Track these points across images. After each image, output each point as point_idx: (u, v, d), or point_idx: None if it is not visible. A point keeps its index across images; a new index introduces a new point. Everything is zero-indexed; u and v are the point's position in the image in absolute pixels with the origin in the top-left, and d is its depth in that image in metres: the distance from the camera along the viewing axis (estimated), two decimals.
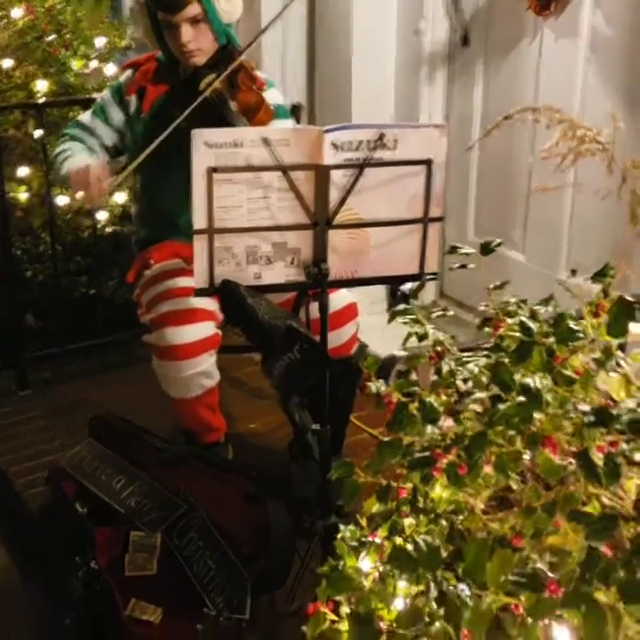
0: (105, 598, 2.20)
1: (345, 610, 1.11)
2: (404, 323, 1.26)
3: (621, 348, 1.11)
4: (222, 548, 2.23)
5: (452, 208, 3.38)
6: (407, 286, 3.61)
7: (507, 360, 1.08)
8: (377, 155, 2.08)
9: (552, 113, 1.26)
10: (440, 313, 1.32)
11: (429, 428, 1.08)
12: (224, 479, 2.46)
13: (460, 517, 1.07)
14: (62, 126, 3.65)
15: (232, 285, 2.13)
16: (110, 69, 3.93)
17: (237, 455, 2.82)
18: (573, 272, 1.24)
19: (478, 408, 1.10)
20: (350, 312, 2.66)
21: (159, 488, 2.42)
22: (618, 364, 1.07)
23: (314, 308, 2.31)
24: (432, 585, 1.00)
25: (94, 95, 3.67)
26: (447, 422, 1.12)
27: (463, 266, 1.40)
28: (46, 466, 2.82)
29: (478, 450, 1.01)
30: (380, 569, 1.08)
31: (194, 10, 2.51)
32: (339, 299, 2.58)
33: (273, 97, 2.71)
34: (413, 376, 1.19)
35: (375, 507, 1.17)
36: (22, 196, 3.66)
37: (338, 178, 2.08)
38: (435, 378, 1.17)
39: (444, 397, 1.14)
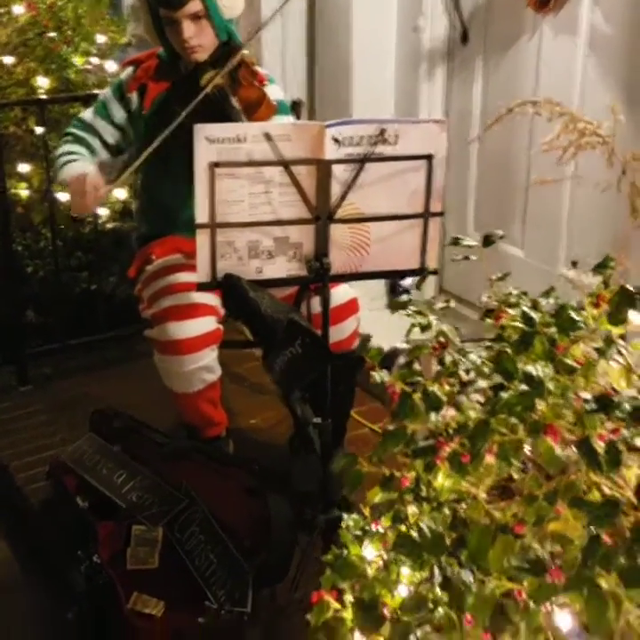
0: (107, 592, 2.21)
1: (348, 598, 1.12)
2: (407, 315, 1.27)
3: (622, 338, 1.12)
4: (224, 542, 2.23)
5: (451, 204, 3.39)
6: (407, 282, 3.62)
7: (509, 350, 1.09)
8: (378, 150, 2.09)
9: (553, 106, 1.27)
10: (443, 305, 1.34)
11: (433, 416, 1.10)
12: (225, 473, 2.47)
13: (463, 506, 1.09)
14: (63, 123, 3.69)
15: (234, 279, 2.14)
16: (111, 66, 3.95)
17: (238, 450, 2.83)
18: (574, 264, 1.25)
19: (480, 398, 1.11)
20: (351, 307, 2.68)
21: (160, 482, 2.42)
22: (619, 352, 1.08)
23: (315, 302, 2.33)
24: (436, 570, 1.01)
25: (95, 91, 3.70)
26: (450, 412, 1.13)
27: (466, 258, 1.41)
28: (47, 461, 2.83)
29: (481, 438, 1.02)
30: (384, 557, 1.09)
31: (195, 6, 2.52)
32: (340, 294, 2.59)
33: (274, 93, 2.72)
34: (416, 366, 1.20)
35: (378, 496, 1.18)
36: (23, 192, 3.68)
37: (339, 173, 2.09)
38: (438, 368, 1.19)
39: (446, 387, 1.16)
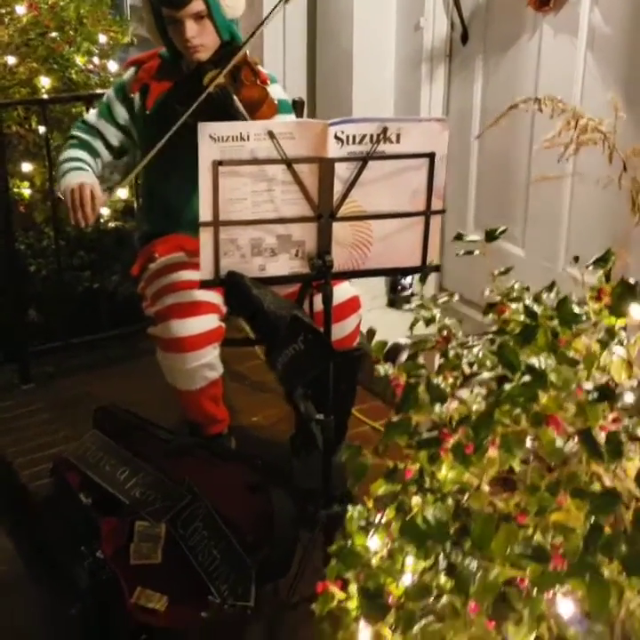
0: (110, 587, 2.22)
1: (353, 588, 1.14)
2: (411, 309, 1.29)
3: (623, 331, 1.14)
4: (227, 538, 2.25)
5: (452, 203, 3.40)
6: (408, 281, 3.64)
7: (512, 342, 1.10)
8: (380, 148, 2.10)
9: (555, 102, 1.29)
10: (445, 299, 1.35)
11: (437, 408, 1.11)
12: (228, 469, 2.48)
13: (466, 496, 1.10)
14: (65, 122, 3.71)
15: (237, 277, 2.15)
16: (112, 66, 3.97)
17: (240, 447, 2.84)
18: (576, 259, 1.27)
19: (483, 391, 1.12)
20: (353, 305, 2.69)
21: (163, 479, 2.44)
22: (620, 343, 1.09)
23: (317, 300, 2.34)
24: (441, 556, 1.02)
25: (97, 91, 3.72)
26: (453, 405, 1.15)
27: (469, 252, 1.42)
28: (50, 457, 2.85)
29: (485, 428, 1.04)
30: (389, 546, 1.11)
31: (198, 6, 2.53)
32: (342, 291, 2.60)
33: (276, 92, 2.73)
34: (420, 359, 1.22)
35: (382, 488, 1.20)
36: (25, 191, 3.69)
37: (341, 171, 2.10)
38: (441, 361, 1.20)
39: (450, 380, 1.17)
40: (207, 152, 2.03)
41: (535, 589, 1.01)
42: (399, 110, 3.64)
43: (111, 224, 3.82)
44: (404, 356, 1.32)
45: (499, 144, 3.32)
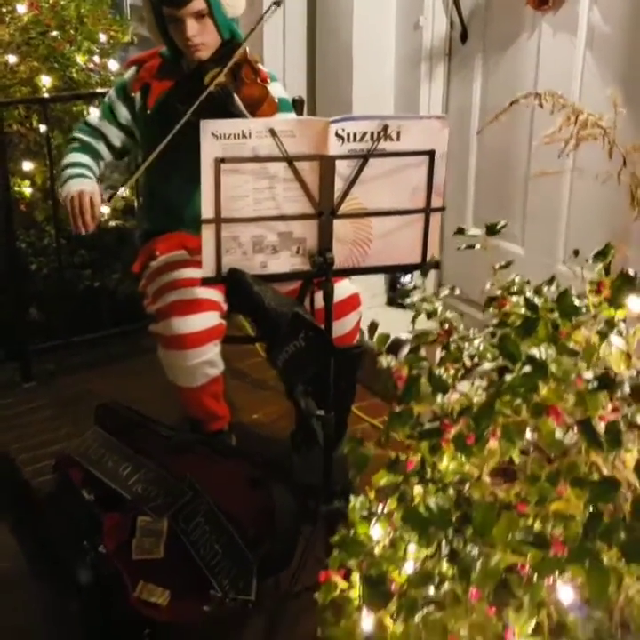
0: (113, 582, 2.24)
1: (356, 578, 1.15)
2: (413, 303, 1.30)
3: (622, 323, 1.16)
4: (229, 533, 2.27)
5: (451, 200, 3.42)
6: (407, 279, 3.66)
7: (513, 334, 1.12)
8: (380, 146, 2.12)
9: (556, 98, 1.30)
10: (447, 292, 1.37)
11: (439, 398, 1.13)
12: (229, 465, 2.49)
13: (467, 486, 1.12)
14: (65, 121, 3.73)
15: (239, 274, 2.17)
16: (113, 65, 3.99)
17: (241, 444, 2.86)
18: (576, 252, 1.29)
19: (483, 383, 1.14)
20: (353, 302, 2.71)
21: (165, 475, 2.45)
22: (620, 334, 1.11)
23: (318, 298, 2.35)
24: (443, 543, 1.04)
25: (98, 90, 3.73)
26: (454, 396, 1.17)
27: (470, 246, 1.44)
28: (53, 454, 2.86)
29: (486, 419, 1.06)
30: (391, 535, 1.12)
31: (199, 4, 2.55)
32: (342, 289, 2.62)
33: (276, 90, 2.75)
34: (422, 352, 1.24)
35: (384, 480, 1.21)
36: (26, 190, 3.70)
37: (342, 168, 2.12)
38: (443, 353, 1.22)
39: (451, 372, 1.19)
40: (209, 149, 2.05)
41: (536, 576, 1.02)
42: (399, 109, 3.66)
43: (112, 223, 3.83)
44: (405, 351, 1.34)
45: (498, 141, 3.33)
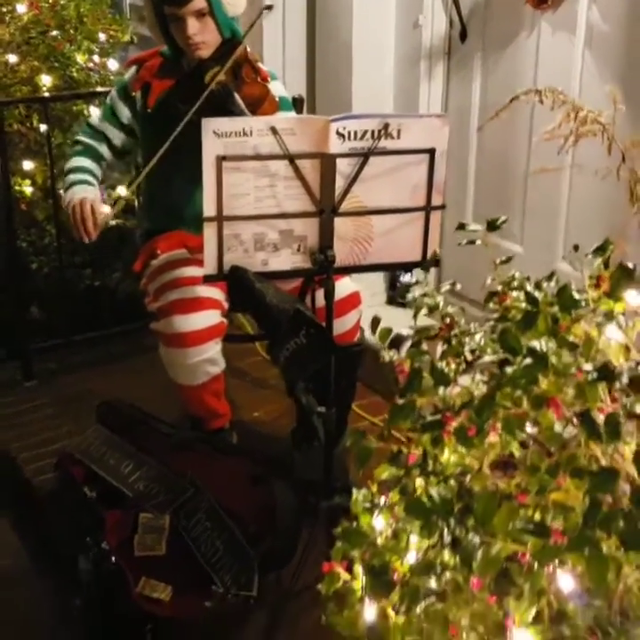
0: (115, 578, 2.25)
1: (358, 569, 1.17)
2: (414, 298, 1.32)
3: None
4: (230, 529, 2.28)
5: (451, 198, 3.43)
6: (407, 277, 3.67)
7: (513, 328, 1.13)
8: (381, 144, 2.13)
9: (555, 94, 1.31)
10: (448, 287, 1.38)
11: (441, 391, 1.14)
12: (230, 462, 2.51)
13: (468, 477, 1.13)
14: (66, 120, 3.74)
15: (241, 271, 2.18)
16: (113, 64, 4.00)
17: (242, 442, 2.87)
18: (575, 247, 1.30)
19: (484, 377, 1.15)
20: (353, 300, 2.72)
21: (166, 472, 2.46)
22: (619, 325, 1.12)
23: (319, 296, 2.36)
24: (445, 532, 1.05)
25: (98, 89, 3.75)
26: (455, 390, 1.18)
27: (471, 242, 1.45)
28: (54, 453, 2.87)
29: (487, 410, 1.07)
30: (393, 526, 1.14)
31: (200, 3, 2.56)
32: (342, 287, 2.62)
33: (276, 89, 2.76)
34: (424, 346, 1.25)
35: (385, 473, 1.23)
36: (27, 189, 3.71)
37: (343, 166, 2.13)
38: (444, 347, 1.23)
39: (453, 366, 1.20)
40: (211, 147, 2.06)
41: (536, 564, 1.04)
42: (398, 108, 3.67)
43: (112, 222, 3.83)
44: (406, 347, 1.35)
45: (497, 140, 3.34)
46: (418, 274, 3.44)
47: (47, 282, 3.73)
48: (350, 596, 1.16)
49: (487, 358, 1.14)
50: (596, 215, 2.91)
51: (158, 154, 2.51)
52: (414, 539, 1.11)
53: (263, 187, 2.14)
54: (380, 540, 1.15)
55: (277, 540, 2.31)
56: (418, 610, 1.11)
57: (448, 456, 1.15)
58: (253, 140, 2.08)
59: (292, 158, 2.10)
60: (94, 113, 3.04)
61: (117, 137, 2.86)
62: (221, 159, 2.06)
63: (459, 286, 1.43)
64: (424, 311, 1.32)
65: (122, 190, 3.82)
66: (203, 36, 2.61)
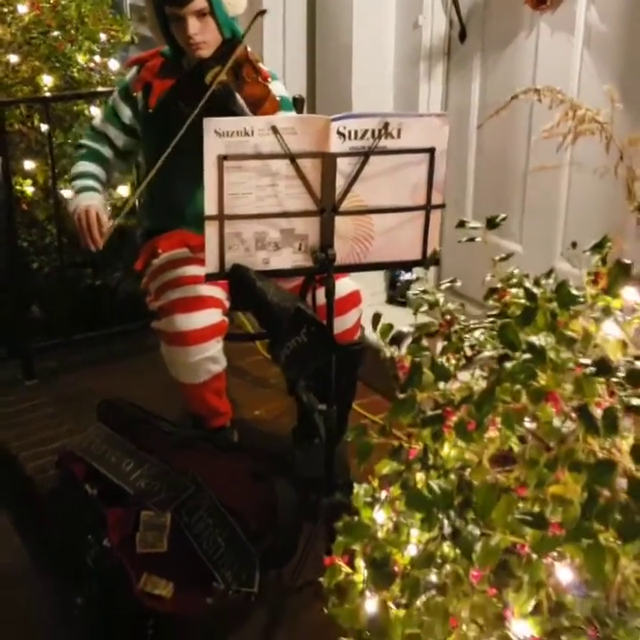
0: (117, 575, 2.26)
1: (359, 562, 1.18)
2: (414, 295, 1.33)
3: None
4: (231, 526, 2.29)
5: (450, 198, 3.44)
6: (406, 276, 3.68)
7: (513, 323, 1.15)
8: (381, 143, 2.14)
9: (554, 93, 1.33)
10: (448, 284, 1.40)
11: (441, 385, 1.16)
12: (231, 459, 2.52)
13: (468, 471, 1.15)
14: (66, 120, 3.76)
15: (242, 269, 2.19)
16: (113, 64, 4.01)
17: (243, 440, 2.88)
18: (574, 245, 1.31)
19: (484, 373, 1.17)
20: (354, 299, 2.72)
21: (168, 470, 2.47)
22: (616, 321, 1.14)
23: (320, 294, 2.37)
24: (445, 524, 1.07)
25: (99, 89, 3.76)
26: (455, 385, 1.19)
27: (471, 239, 1.46)
28: (55, 451, 2.88)
29: (487, 405, 1.08)
30: (394, 519, 1.15)
31: (200, 3, 2.57)
32: (343, 286, 2.63)
33: (277, 89, 2.76)
34: (424, 342, 1.26)
35: (386, 468, 1.24)
36: (28, 189, 3.73)
37: (344, 166, 2.14)
38: (444, 343, 1.25)
39: (453, 361, 1.22)
40: (212, 147, 2.07)
41: (535, 556, 1.05)
42: (398, 107, 3.68)
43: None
44: (406, 344, 1.36)
45: (496, 139, 3.36)
46: (418, 272, 3.45)
47: (48, 281, 3.74)
48: (351, 588, 1.18)
49: (487, 354, 1.15)
50: (595, 213, 2.92)
51: (162, 158, 2.52)
52: (415, 532, 1.13)
53: (264, 186, 2.15)
54: (380, 534, 1.17)
55: (278, 538, 2.32)
56: (418, 602, 1.13)
57: (448, 450, 1.16)
58: (254, 140, 2.09)
59: (292, 157, 2.11)
60: (97, 116, 3.05)
61: (119, 137, 2.87)
62: (223, 158, 2.07)
63: (459, 283, 1.44)
64: (424, 308, 1.34)
65: (122, 190, 3.83)
66: (203, 36, 2.62)
